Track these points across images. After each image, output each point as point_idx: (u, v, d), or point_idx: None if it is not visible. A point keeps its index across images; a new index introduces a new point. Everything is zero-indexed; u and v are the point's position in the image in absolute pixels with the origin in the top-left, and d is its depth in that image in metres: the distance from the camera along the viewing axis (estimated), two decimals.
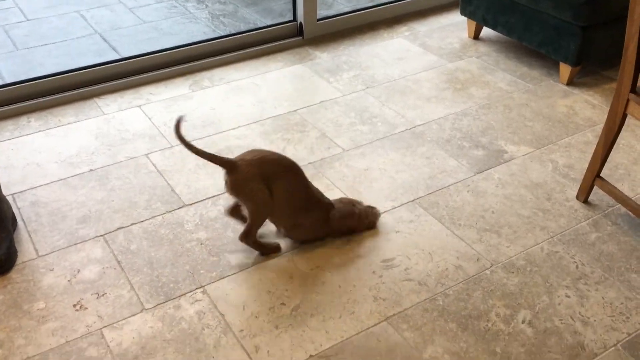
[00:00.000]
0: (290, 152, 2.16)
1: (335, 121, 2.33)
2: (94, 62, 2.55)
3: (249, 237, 1.69)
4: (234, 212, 1.77)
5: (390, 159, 2.13)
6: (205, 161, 2.11)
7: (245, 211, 1.70)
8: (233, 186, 1.63)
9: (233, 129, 2.28)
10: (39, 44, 2.96)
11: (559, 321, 1.56)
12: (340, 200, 1.80)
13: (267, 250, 1.74)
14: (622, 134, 2.26)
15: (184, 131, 2.27)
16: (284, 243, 1.78)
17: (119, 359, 1.46)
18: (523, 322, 1.56)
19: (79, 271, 1.69)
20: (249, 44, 2.79)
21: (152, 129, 2.28)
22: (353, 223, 1.78)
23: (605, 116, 1.79)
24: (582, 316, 1.57)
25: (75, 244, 1.77)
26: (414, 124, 2.32)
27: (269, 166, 1.64)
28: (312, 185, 1.74)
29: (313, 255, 1.75)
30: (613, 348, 1.49)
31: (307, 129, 2.29)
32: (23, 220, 1.86)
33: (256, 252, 1.74)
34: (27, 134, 2.25)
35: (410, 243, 1.79)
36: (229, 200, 1.78)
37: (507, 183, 2.02)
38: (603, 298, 1.62)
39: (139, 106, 2.41)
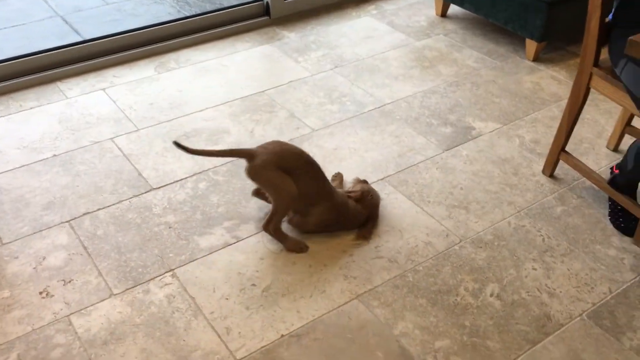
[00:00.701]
0: (259, 133, 2.14)
1: (304, 101, 2.32)
2: (55, 45, 2.48)
3: (270, 225, 1.67)
4: (258, 192, 1.79)
5: (360, 138, 2.13)
6: (172, 144, 2.08)
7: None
8: (252, 172, 1.64)
9: (200, 110, 2.25)
10: None
11: (526, 293, 1.58)
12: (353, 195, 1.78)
13: (290, 244, 1.69)
14: (586, 108, 2.29)
15: (153, 115, 2.23)
16: (254, 223, 1.77)
17: (88, 345, 1.44)
18: (491, 295, 1.58)
19: (44, 258, 1.66)
20: (216, 24, 2.74)
21: (117, 112, 2.24)
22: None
23: (570, 91, 1.81)
24: (549, 288, 1.60)
25: (40, 231, 1.74)
26: (382, 102, 2.32)
27: (289, 158, 1.63)
28: (327, 180, 1.71)
29: None
30: (578, 318, 1.52)
31: (275, 110, 2.27)
32: None
33: (225, 235, 1.73)
34: None
35: (381, 221, 1.79)
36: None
37: (475, 159, 2.04)
38: (568, 270, 1.65)
39: (103, 89, 2.36)
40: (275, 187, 1.64)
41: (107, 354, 1.42)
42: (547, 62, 2.58)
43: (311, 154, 2.03)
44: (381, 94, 2.36)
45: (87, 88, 2.37)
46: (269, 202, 1.77)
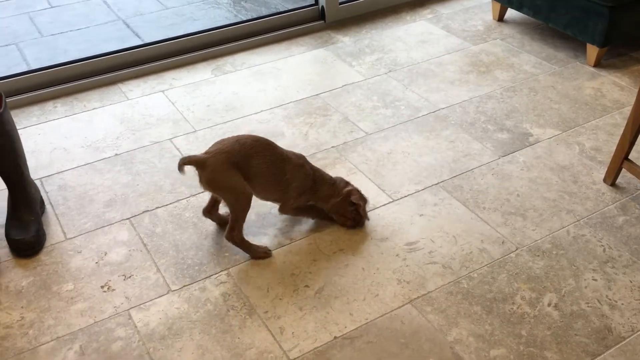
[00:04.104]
0: (313, 136, 2.15)
1: (358, 105, 2.32)
2: (117, 48, 2.57)
3: (234, 233, 1.64)
4: (209, 212, 1.76)
5: (414, 143, 2.12)
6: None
7: (224, 208, 1.69)
8: (207, 180, 1.60)
9: (255, 113, 2.29)
10: (63, 30, 2.99)
11: (585, 304, 1.54)
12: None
13: (255, 253, 1.68)
14: None
15: (210, 116, 2.28)
16: (307, 225, 1.78)
17: (147, 339, 1.48)
18: (549, 305, 1.54)
19: (106, 253, 1.71)
20: (271, 28, 2.78)
21: (175, 113, 2.29)
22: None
23: (634, 98, 1.76)
24: (610, 299, 1.55)
25: (102, 227, 1.80)
26: (437, 107, 2.30)
27: (235, 151, 1.60)
28: (283, 150, 1.69)
29: (336, 238, 1.75)
30: None
31: (329, 113, 2.28)
32: (51, 203, 1.89)
33: (279, 236, 1.75)
34: (53, 119, 2.28)
35: (434, 226, 1.78)
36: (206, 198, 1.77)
37: (532, 166, 2.00)
38: (631, 282, 1.60)
39: (162, 91, 2.43)
40: (232, 191, 1.60)
41: (165, 349, 1.46)
42: (608, 68, 2.51)
43: (365, 158, 2.05)
44: (436, 99, 2.34)
45: (148, 90, 2.44)
46: (218, 222, 1.78)
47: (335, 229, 1.78)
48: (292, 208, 1.74)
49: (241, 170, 1.61)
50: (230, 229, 1.64)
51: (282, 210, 1.75)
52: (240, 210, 1.63)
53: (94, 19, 3.09)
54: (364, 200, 1.75)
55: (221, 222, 1.77)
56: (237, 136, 1.65)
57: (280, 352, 1.44)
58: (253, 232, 1.77)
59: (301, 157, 1.72)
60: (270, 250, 1.70)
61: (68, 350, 1.46)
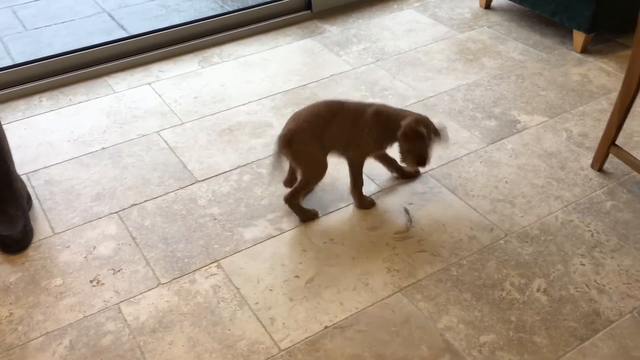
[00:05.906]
0: None
1: (346, 94, 2.32)
2: (102, 41, 2.54)
3: (294, 198, 1.74)
4: (290, 182, 1.83)
5: None
6: (217, 137, 2.11)
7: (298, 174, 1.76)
8: (292, 154, 1.69)
9: (243, 104, 2.28)
10: (47, 23, 2.95)
11: (574, 289, 1.55)
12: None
13: (306, 216, 1.77)
14: (638, 100, 2.22)
15: (197, 108, 2.26)
16: (296, 216, 1.78)
17: (137, 332, 1.48)
18: (538, 290, 1.55)
19: (94, 248, 1.70)
20: (258, 18, 2.76)
21: (162, 106, 2.28)
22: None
23: (620, 83, 1.76)
24: (598, 284, 1.56)
25: (90, 221, 1.79)
26: (425, 95, 2.30)
27: (315, 123, 1.69)
28: (349, 103, 1.76)
29: (326, 228, 1.75)
30: (629, 315, 1.49)
31: None
32: (38, 198, 1.87)
33: (269, 227, 1.75)
34: (39, 114, 2.26)
35: (424, 214, 1.78)
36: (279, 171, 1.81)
37: (520, 153, 2.01)
38: (619, 266, 1.61)
39: (149, 84, 2.41)
40: (312, 163, 1.71)
41: (155, 342, 1.45)
42: (595, 54, 2.52)
43: None
44: (424, 87, 2.34)
45: (134, 82, 2.42)
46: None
47: (325, 219, 1.78)
48: (361, 159, 1.79)
49: (319, 139, 1.69)
50: (294, 192, 1.74)
51: (352, 162, 1.79)
52: (313, 179, 1.74)
53: (79, 11, 3.06)
54: (414, 132, 1.66)
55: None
56: (311, 107, 1.73)
57: (271, 343, 1.45)
58: (243, 224, 1.77)
59: (376, 111, 1.73)
60: (317, 212, 1.78)
61: (58, 345, 1.45)
